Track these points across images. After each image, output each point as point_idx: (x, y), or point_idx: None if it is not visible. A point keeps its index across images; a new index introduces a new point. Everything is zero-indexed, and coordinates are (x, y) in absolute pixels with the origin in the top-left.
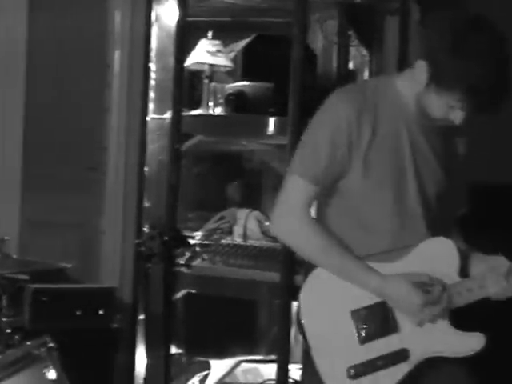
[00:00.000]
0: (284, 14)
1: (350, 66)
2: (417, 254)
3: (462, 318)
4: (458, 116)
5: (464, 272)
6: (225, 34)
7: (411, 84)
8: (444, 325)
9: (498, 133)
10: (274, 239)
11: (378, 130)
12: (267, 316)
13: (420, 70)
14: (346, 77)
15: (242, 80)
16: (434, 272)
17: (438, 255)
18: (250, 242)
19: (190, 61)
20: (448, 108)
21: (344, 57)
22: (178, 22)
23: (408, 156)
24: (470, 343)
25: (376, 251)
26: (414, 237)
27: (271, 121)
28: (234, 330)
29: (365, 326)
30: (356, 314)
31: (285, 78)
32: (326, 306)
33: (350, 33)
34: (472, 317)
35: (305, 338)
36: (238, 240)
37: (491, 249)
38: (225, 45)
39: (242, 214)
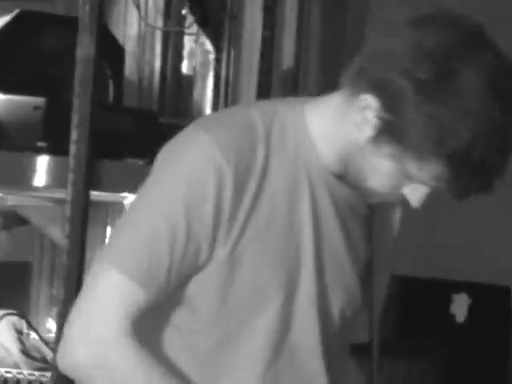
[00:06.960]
0: None
1: (184, 68)
2: None
3: None
4: (418, 194)
5: None
6: None
7: (336, 122)
8: None
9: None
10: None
11: (263, 200)
12: None
13: (362, 106)
14: (176, 87)
15: None
16: None
17: None
18: None
19: None
20: (403, 178)
21: (175, 53)
22: None
23: (308, 242)
24: None
25: None
26: (299, 379)
27: (41, 162)
28: None
29: None
30: None
31: (66, 86)
32: None
33: (186, 13)
34: None
35: None
36: None
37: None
38: None
39: None
